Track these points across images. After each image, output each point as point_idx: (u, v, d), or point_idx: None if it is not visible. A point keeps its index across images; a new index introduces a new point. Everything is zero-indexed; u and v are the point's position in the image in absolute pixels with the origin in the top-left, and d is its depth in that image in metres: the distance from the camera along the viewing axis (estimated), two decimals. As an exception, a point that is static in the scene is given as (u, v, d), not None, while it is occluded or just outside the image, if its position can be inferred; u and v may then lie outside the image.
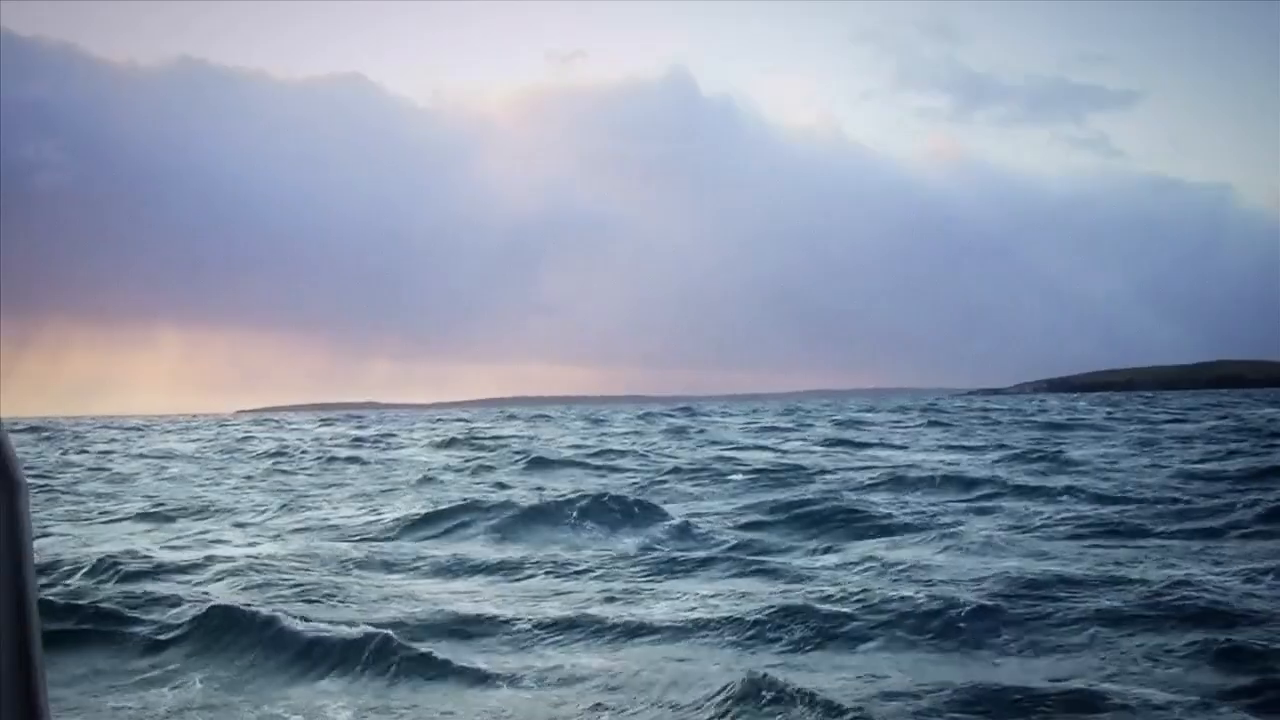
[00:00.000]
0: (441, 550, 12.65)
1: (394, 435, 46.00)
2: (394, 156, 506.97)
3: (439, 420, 78.86)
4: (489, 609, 9.23)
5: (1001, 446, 28.04)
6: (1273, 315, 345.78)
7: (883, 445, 32.04)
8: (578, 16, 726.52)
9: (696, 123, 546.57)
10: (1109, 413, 56.66)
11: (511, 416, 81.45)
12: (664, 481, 21.01)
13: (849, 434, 38.72)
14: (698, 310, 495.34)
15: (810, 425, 48.35)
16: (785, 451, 30.58)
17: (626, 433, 45.04)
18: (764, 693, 6.34)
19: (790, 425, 49.01)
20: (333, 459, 30.44)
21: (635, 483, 20.59)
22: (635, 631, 8.40)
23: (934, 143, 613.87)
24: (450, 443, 37.08)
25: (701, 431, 43.91)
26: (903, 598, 8.74)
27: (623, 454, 29.02)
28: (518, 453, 29.10)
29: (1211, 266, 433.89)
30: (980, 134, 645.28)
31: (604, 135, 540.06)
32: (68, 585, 10.37)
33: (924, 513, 14.66)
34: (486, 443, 36.52)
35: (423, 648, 7.73)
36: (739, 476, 20.94)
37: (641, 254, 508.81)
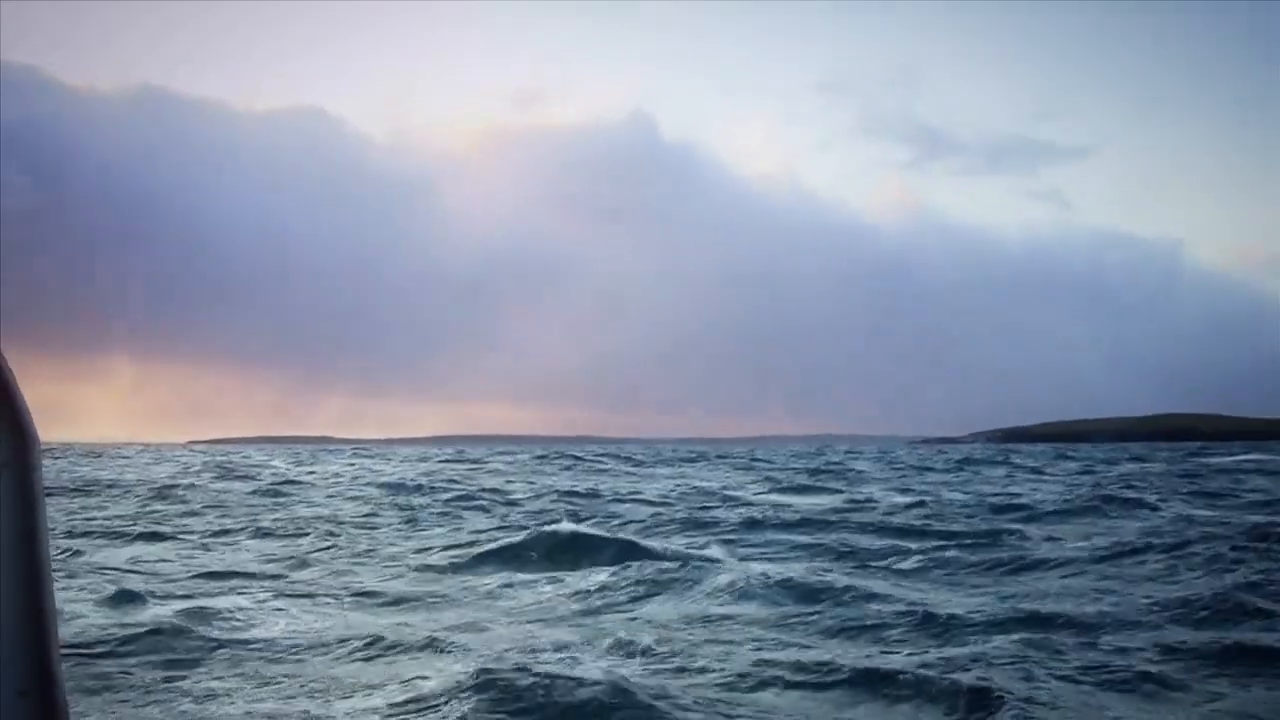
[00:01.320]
0: None
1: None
2: (353, 191, 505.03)
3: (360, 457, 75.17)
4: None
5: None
6: (1223, 370, 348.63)
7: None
8: (539, 57, 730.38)
9: (657, 166, 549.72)
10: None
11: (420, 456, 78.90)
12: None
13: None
14: (654, 353, 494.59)
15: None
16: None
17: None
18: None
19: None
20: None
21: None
22: None
23: (891, 192, 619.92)
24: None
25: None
26: None
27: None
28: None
29: (1164, 320, 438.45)
30: (937, 185, 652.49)
31: (564, 176, 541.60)
32: None
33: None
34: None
35: None
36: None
37: (599, 296, 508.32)
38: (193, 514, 22.15)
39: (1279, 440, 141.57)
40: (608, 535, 15.61)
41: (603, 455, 73.58)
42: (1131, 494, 24.89)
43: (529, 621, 9.82)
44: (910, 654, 7.93)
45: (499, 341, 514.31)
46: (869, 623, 9.26)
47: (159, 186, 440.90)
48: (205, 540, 17.00)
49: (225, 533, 18.13)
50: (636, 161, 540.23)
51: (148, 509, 23.41)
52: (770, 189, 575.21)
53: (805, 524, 18.56)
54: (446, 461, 59.38)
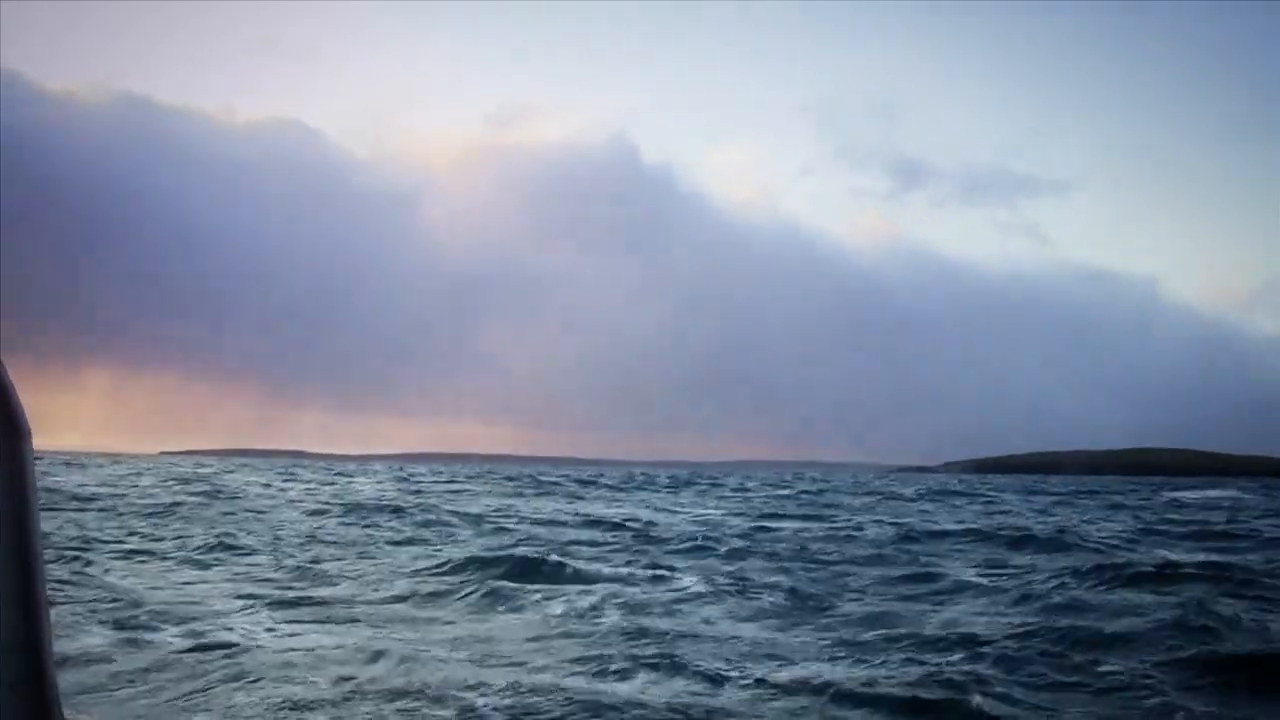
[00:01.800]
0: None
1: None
2: (332, 205, 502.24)
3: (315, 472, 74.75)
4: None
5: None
6: (1197, 405, 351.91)
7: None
8: (521, 76, 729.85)
9: (637, 189, 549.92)
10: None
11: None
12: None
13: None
14: (632, 375, 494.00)
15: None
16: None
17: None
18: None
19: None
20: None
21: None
22: None
23: (870, 221, 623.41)
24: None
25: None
26: None
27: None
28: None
29: (1139, 355, 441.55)
30: (916, 215, 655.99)
31: (543, 195, 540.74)
32: None
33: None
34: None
35: None
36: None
37: (577, 316, 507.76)
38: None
39: (1249, 476, 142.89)
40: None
41: (558, 479, 72.52)
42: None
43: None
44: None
45: (475, 359, 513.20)
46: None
47: (138, 195, 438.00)
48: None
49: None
50: (617, 183, 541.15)
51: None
52: (749, 215, 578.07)
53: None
54: (401, 482, 58.90)
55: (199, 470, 72.05)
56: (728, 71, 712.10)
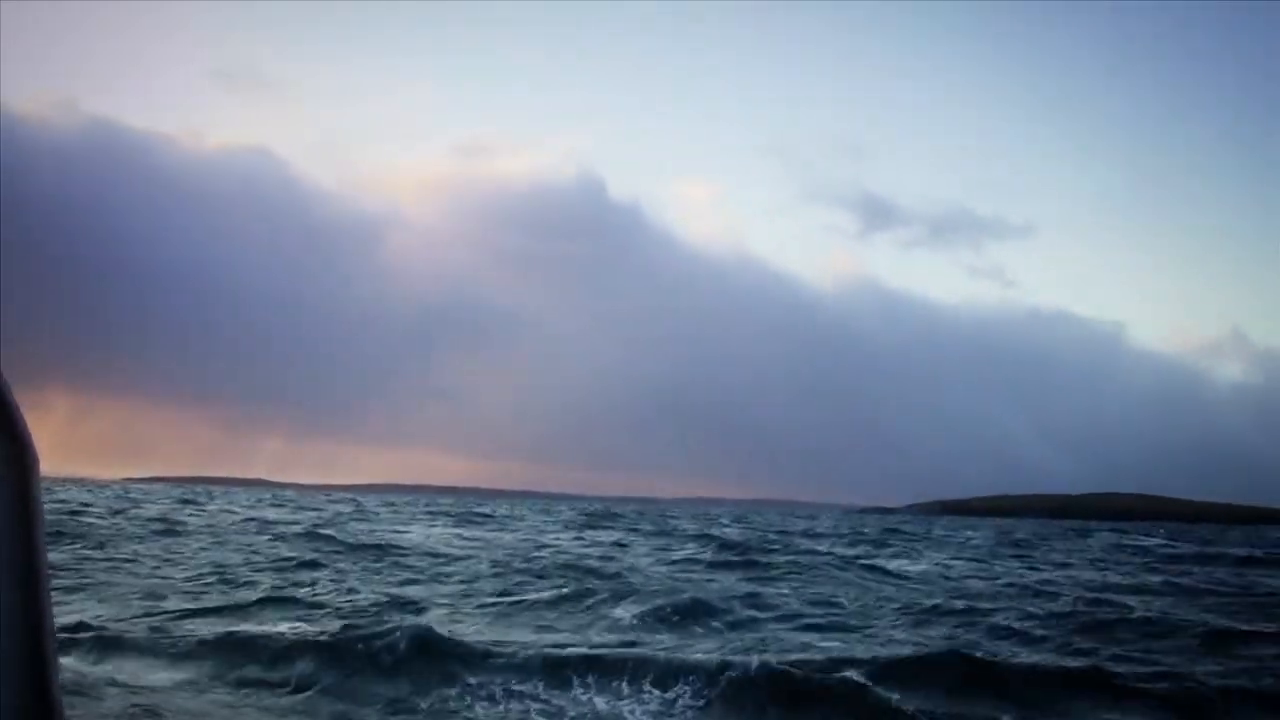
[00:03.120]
0: None
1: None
2: (298, 233, 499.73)
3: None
4: None
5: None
6: (1157, 452, 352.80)
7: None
8: (489, 110, 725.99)
9: (603, 224, 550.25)
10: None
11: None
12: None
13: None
14: (595, 411, 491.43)
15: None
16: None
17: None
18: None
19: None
20: None
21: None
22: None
23: (836, 260, 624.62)
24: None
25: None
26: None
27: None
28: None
29: (1103, 400, 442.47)
30: (881, 255, 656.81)
31: (508, 229, 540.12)
32: None
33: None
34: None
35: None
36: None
37: (541, 350, 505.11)
38: None
39: (1210, 523, 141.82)
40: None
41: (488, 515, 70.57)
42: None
43: None
44: None
45: (437, 391, 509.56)
46: None
47: (104, 219, 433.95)
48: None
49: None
50: (582, 218, 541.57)
51: None
52: (715, 252, 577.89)
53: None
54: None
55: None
56: (695, 110, 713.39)
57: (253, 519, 39.16)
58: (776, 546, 31.96)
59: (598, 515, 63.67)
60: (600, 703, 9.34)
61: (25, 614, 1.25)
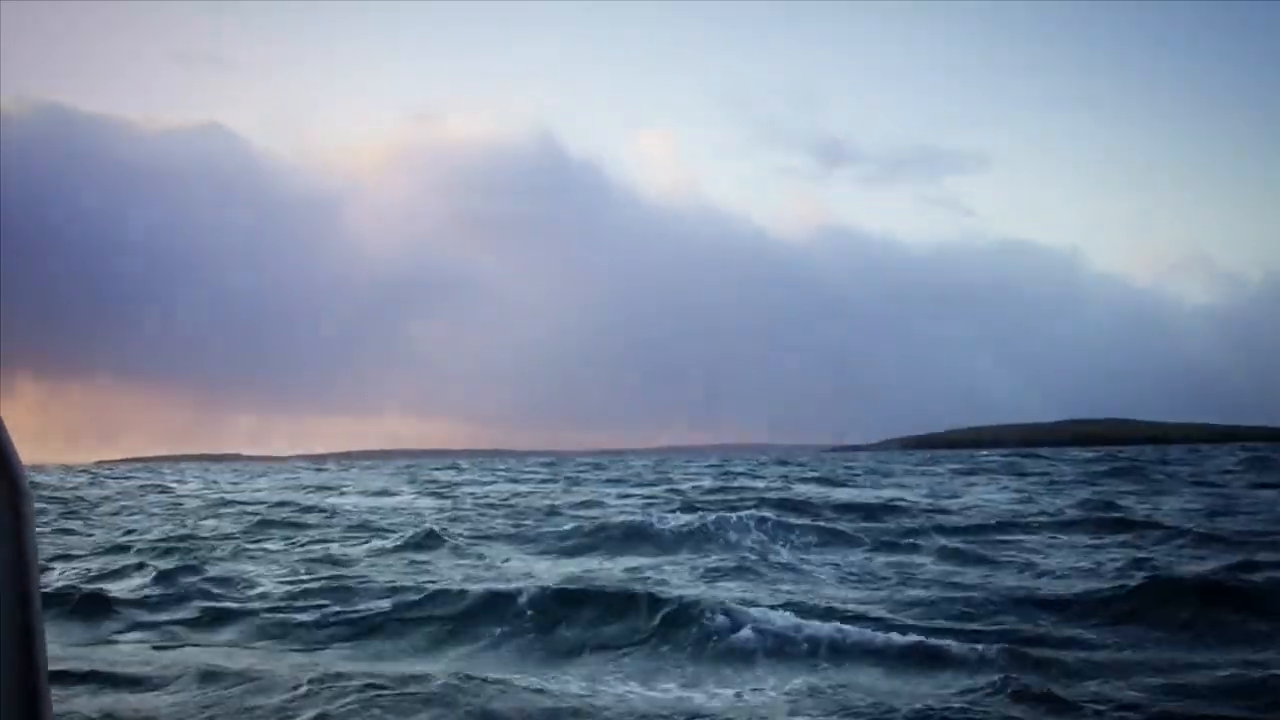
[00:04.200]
0: None
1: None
2: (259, 208, 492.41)
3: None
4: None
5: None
6: (1124, 376, 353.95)
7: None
8: (444, 74, 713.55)
9: (561, 181, 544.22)
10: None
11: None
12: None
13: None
14: (564, 367, 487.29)
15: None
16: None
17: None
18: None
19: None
20: None
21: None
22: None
23: (795, 203, 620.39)
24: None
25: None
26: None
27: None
28: None
29: (1068, 328, 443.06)
30: (839, 195, 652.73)
31: (468, 193, 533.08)
32: None
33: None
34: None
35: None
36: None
37: (507, 310, 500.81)
38: None
39: (1182, 444, 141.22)
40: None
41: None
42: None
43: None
44: None
45: (408, 356, 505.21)
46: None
47: (63, 206, 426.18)
48: None
49: None
50: (541, 176, 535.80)
51: None
52: (675, 202, 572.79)
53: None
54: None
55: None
56: (648, 61, 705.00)
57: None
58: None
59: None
60: None
61: (19, 636, 1.23)
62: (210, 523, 23.60)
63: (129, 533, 21.20)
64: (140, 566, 14.32)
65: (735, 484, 36.94)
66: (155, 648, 9.80)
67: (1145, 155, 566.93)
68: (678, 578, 12.95)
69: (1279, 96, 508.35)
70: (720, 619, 9.27)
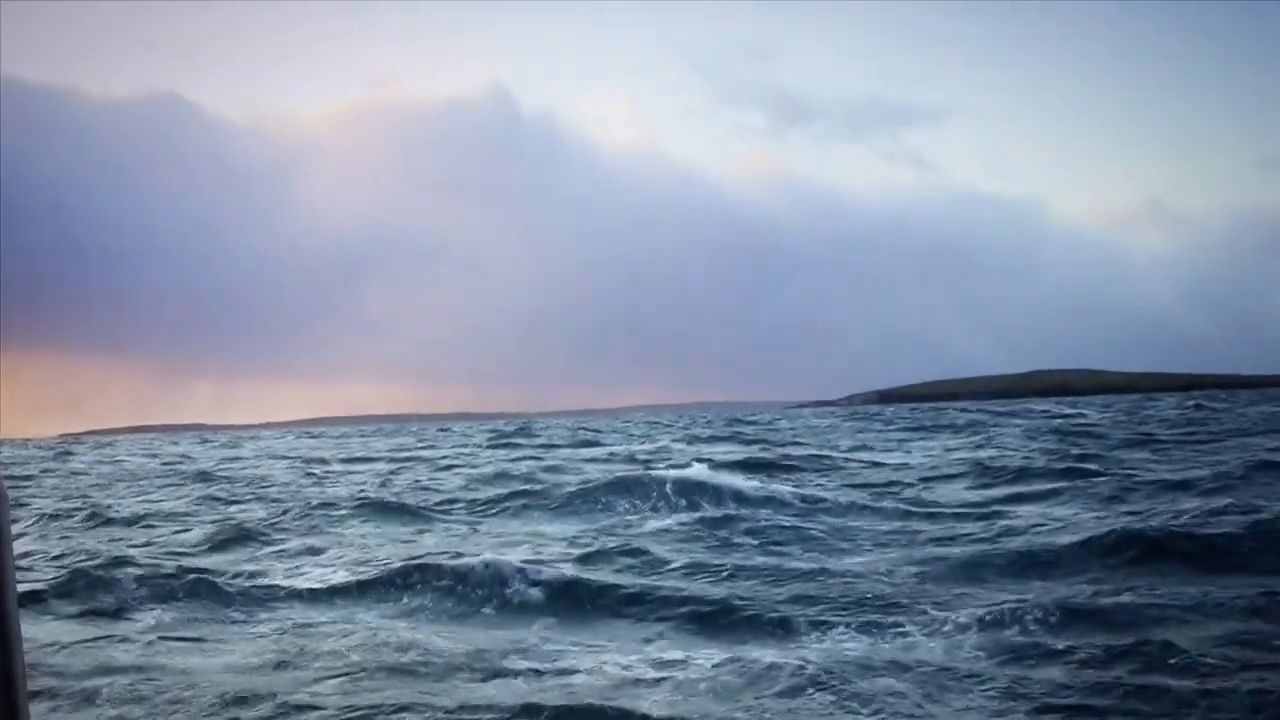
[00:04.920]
0: None
1: None
2: (214, 175, 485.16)
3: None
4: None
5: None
6: (1091, 326, 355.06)
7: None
8: (396, 36, 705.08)
9: (518, 142, 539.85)
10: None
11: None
12: None
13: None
14: (526, 328, 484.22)
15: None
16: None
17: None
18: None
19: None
20: None
21: None
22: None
23: (754, 160, 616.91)
24: None
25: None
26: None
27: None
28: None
29: (1030, 279, 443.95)
30: (799, 151, 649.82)
31: (426, 154, 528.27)
32: None
33: None
34: None
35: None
36: None
37: (468, 272, 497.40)
38: None
39: (1147, 394, 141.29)
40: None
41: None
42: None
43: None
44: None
45: (369, 321, 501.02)
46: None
47: (14, 178, 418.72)
48: None
49: None
50: (498, 137, 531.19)
51: None
52: (634, 161, 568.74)
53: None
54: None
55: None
56: (604, 19, 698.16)
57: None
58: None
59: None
60: None
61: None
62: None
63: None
64: None
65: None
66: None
67: (1105, 105, 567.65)
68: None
69: (1237, 46, 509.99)
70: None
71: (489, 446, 38.08)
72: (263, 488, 22.36)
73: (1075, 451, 22.10)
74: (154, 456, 43.92)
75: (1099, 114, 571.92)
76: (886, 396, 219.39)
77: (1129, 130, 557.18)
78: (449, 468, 26.51)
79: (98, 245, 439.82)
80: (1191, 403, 53.78)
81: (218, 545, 12.99)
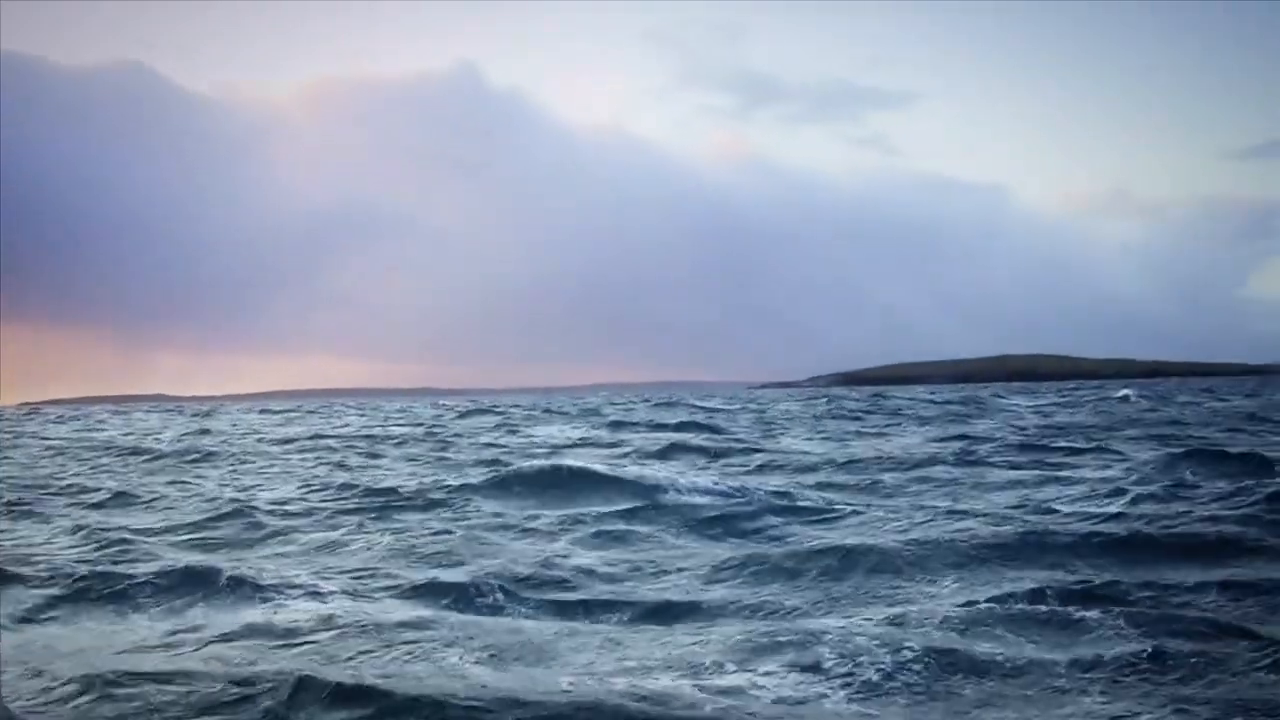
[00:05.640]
0: None
1: None
2: (181, 147, 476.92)
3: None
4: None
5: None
6: (1054, 312, 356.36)
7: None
8: (364, 14, 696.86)
9: (488, 119, 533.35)
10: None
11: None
12: None
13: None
14: (491, 305, 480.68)
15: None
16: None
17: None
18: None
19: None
20: None
21: None
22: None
23: (721, 140, 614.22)
24: None
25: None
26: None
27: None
28: None
29: (994, 264, 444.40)
30: (765, 132, 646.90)
31: (394, 130, 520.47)
32: None
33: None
34: None
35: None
36: None
37: (434, 247, 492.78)
38: None
39: (1112, 379, 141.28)
40: None
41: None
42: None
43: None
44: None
45: (336, 295, 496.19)
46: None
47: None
48: None
49: None
50: (467, 114, 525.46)
51: None
52: (602, 139, 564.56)
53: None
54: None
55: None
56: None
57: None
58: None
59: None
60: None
61: None
62: None
63: None
64: None
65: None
66: None
67: (1072, 94, 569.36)
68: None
69: (1205, 39, 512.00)
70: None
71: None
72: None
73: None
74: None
75: (1066, 102, 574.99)
76: (850, 379, 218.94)
77: (1096, 119, 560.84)
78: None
79: (60, 216, 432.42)
80: (1125, 392, 52.76)
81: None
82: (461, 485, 13.95)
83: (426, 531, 10.39)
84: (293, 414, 54.90)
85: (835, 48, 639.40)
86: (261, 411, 63.63)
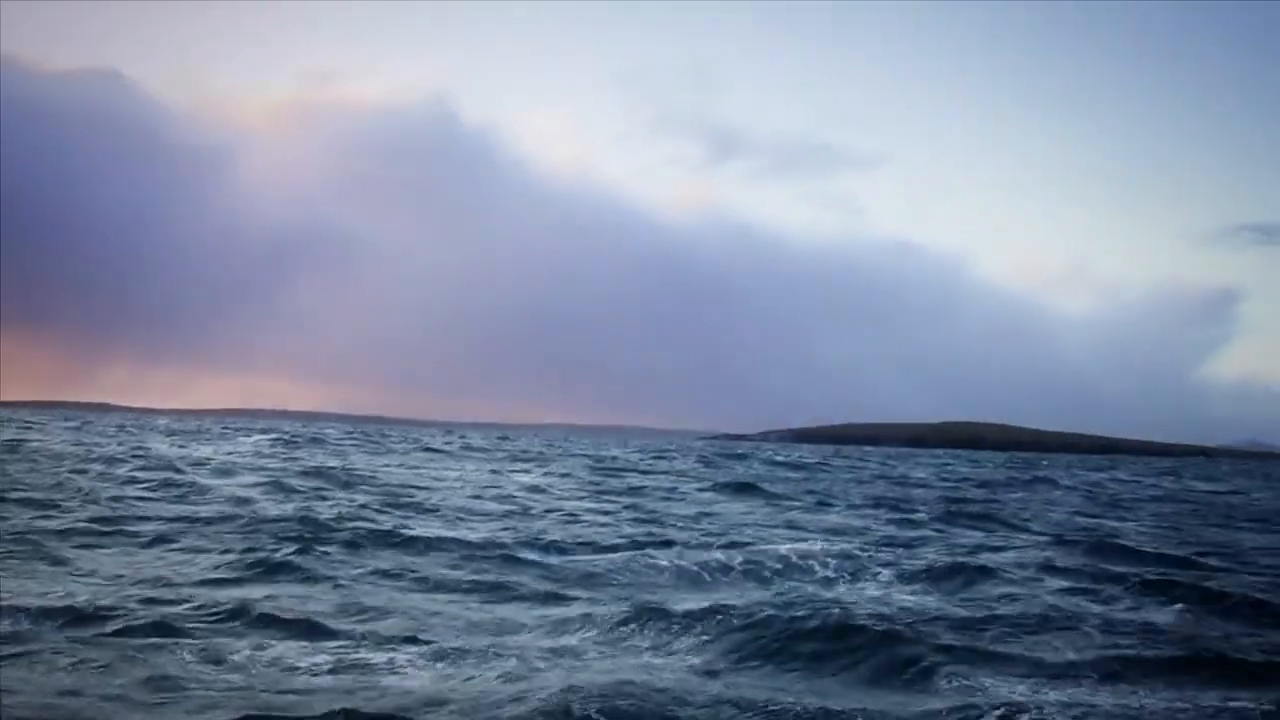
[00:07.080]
0: None
1: None
2: (147, 157, 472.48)
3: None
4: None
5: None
6: (1011, 382, 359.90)
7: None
8: (341, 33, 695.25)
9: (453, 150, 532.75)
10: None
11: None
12: None
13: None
14: (447, 337, 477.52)
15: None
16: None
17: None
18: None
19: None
20: None
21: None
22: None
23: (686, 190, 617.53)
24: None
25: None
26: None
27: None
28: None
29: (953, 331, 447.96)
30: (731, 185, 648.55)
31: (359, 155, 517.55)
32: None
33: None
34: None
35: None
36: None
37: (393, 276, 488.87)
38: None
39: (1059, 453, 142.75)
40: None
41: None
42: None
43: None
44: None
45: (288, 317, 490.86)
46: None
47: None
48: None
49: None
50: (433, 146, 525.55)
51: None
52: (567, 182, 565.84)
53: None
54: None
55: None
56: (546, 37, 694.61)
57: None
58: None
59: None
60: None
61: None
62: None
63: None
64: None
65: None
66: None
67: (1036, 167, 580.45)
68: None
69: (1165, 110, 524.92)
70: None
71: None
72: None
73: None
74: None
75: (1030, 175, 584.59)
76: (803, 435, 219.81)
77: (1058, 193, 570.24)
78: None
79: (12, 218, 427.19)
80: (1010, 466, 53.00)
81: None
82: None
83: None
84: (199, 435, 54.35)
85: (804, 103, 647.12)
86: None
